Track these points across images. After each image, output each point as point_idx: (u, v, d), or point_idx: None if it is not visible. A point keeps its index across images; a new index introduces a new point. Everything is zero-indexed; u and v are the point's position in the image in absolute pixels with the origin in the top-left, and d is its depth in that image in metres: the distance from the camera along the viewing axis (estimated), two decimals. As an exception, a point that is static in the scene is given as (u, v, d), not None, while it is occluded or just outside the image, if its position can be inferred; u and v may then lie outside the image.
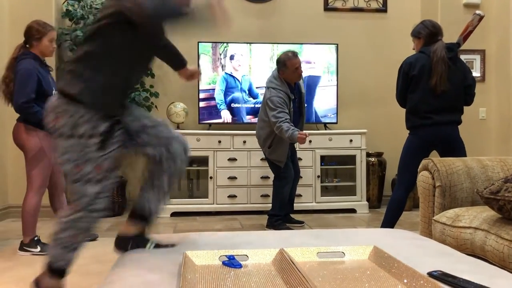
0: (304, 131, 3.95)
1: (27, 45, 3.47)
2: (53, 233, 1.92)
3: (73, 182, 1.85)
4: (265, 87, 4.18)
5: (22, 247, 3.41)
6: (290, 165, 4.22)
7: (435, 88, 3.37)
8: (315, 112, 5.32)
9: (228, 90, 5.24)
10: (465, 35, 3.55)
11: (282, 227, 4.15)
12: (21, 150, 3.45)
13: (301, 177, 4.76)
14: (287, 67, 4.07)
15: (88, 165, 1.82)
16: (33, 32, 3.44)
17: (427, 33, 3.48)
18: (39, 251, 3.38)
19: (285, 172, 4.17)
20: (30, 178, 3.41)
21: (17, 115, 3.43)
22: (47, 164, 3.44)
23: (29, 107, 3.31)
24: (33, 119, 3.36)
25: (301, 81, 4.29)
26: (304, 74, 4.71)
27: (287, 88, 4.09)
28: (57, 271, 1.93)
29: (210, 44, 5.19)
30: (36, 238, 3.42)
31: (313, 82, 5.31)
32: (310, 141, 5.02)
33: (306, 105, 4.59)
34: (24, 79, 3.31)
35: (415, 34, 3.55)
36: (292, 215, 4.47)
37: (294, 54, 4.12)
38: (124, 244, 1.91)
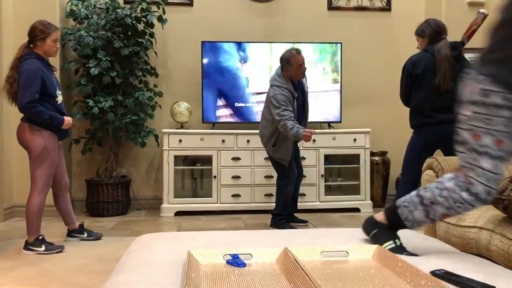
0: (310, 129, 3.95)
1: (31, 45, 3.48)
2: (426, 196, 1.77)
3: (469, 151, 1.76)
4: (269, 85, 4.18)
5: (27, 246, 3.42)
6: (293, 164, 4.21)
7: (438, 87, 3.36)
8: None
9: (231, 89, 5.23)
10: (469, 34, 3.54)
11: (285, 226, 4.14)
12: (25, 149, 3.46)
13: (305, 176, 4.76)
14: (291, 64, 4.06)
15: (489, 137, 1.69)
16: (37, 32, 3.45)
17: (431, 31, 3.47)
18: (44, 250, 3.39)
19: (288, 171, 4.17)
20: (34, 177, 3.43)
21: (22, 115, 3.44)
22: (51, 164, 3.45)
23: (33, 107, 3.33)
24: (37, 119, 3.37)
25: (304, 79, 4.28)
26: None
27: (291, 86, 4.08)
28: (397, 225, 1.81)
29: (214, 43, 5.19)
30: (40, 238, 3.43)
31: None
32: (314, 140, 5.01)
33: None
34: (28, 79, 3.33)
35: (419, 33, 3.54)
36: (296, 214, 4.47)
37: (298, 52, 4.11)
38: (369, 228, 1.88)
